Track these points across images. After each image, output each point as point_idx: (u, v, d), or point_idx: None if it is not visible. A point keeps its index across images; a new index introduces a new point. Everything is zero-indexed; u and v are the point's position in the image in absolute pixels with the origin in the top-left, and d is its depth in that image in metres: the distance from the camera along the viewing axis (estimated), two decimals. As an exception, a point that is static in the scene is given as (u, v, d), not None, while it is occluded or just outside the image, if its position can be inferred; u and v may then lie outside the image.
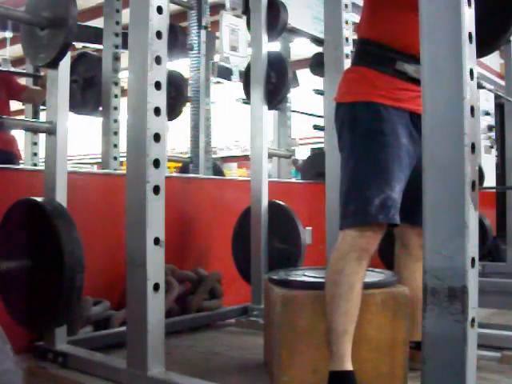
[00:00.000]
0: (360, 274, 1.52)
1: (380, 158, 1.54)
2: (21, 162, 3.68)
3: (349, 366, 1.51)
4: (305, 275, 1.89)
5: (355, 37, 2.65)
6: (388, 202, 1.51)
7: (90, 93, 3.42)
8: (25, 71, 4.25)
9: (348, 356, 1.51)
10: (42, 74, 3.57)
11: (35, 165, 3.97)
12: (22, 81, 4.05)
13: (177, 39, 3.54)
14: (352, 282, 1.51)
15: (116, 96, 3.49)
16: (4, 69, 4.45)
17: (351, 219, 1.54)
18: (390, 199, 1.51)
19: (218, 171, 4.30)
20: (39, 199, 1.90)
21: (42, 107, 4.14)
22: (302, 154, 6.86)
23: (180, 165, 4.33)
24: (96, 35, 3.83)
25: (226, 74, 3.68)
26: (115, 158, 3.45)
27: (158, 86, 1.65)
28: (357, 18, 2.82)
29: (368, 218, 1.51)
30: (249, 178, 2.80)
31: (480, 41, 1.10)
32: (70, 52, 1.93)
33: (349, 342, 1.51)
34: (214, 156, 5.27)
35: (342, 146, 1.65)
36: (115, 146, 3.46)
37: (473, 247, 1.03)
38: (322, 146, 3.36)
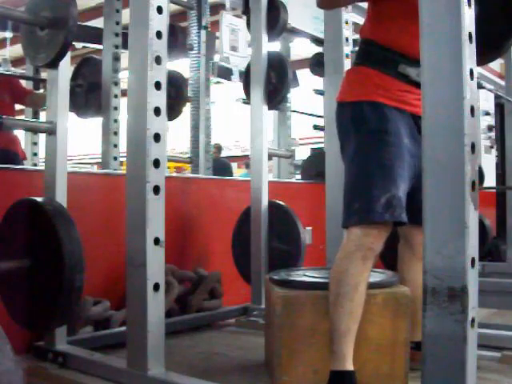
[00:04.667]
0: (365, 274, 1.52)
1: (385, 158, 1.53)
2: (25, 161, 3.67)
3: (350, 366, 1.51)
4: (305, 275, 1.88)
5: (355, 37, 2.66)
6: (394, 200, 1.51)
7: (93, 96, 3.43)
8: (25, 72, 4.25)
9: (349, 356, 1.51)
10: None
11: (35, 165, 3.96)
12: (23, 82, 4.05)
13: (177, 39, 3.54)
14: (356, 282, 1.50)
15: (116, 96, 3.48)
16: (4, 69, 4.45)
17: (356, 217, 1.53)
18: (395, 198, 1.51)
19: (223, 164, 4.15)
20: (39, 199, 1.90)
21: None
22: (302, 153, 6.86)
23: (180, 165, 4.33)
24: (96, 35, 3.83)
25: (226, 74, 3.68)
26: (115, 158, 3.45)
27: (158, 86, 1.65)
28: (357, 18, 2.83)
29: (374, 216, 1.50)
30: (249, 178, 2.80)
31: (482, 48, 1.09)
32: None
33: (351, 342, 1.51)
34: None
35: (346, 144, 1.64)
36: (115, 146, 3.46)
37: (473, 247, 1.03)
38: (322, 145, 3.36)
